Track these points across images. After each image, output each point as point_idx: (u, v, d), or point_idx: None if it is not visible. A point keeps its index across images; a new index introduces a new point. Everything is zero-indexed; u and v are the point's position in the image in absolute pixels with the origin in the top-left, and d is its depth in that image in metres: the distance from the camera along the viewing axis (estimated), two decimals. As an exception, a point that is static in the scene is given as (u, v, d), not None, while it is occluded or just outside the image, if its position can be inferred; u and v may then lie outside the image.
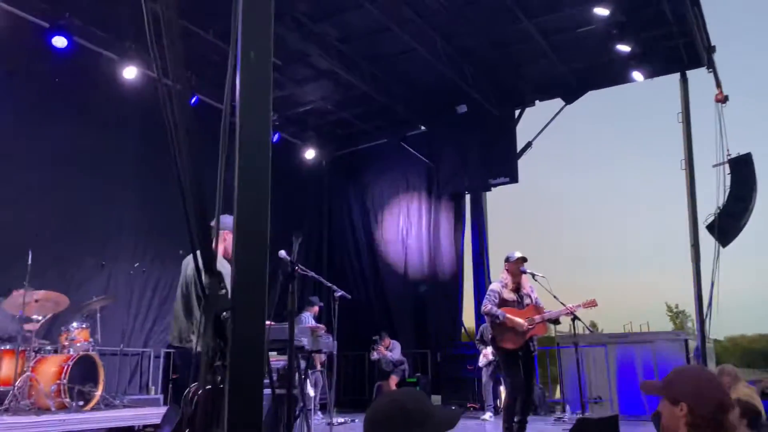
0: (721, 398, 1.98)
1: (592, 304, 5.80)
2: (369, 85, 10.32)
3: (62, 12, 7.94)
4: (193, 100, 9.44)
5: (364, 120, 12.06)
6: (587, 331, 6.53)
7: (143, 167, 8.75)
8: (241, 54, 1.84)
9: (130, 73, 8.57)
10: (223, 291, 1.65)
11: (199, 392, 2.89)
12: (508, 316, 5.80)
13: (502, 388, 8.89)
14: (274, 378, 4.77)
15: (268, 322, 3.94)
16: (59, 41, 7.90)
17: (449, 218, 12.04)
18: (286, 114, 11.71)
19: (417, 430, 1.47)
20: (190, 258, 4.52)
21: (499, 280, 6.15)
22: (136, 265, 7.95)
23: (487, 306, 5.88)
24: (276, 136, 11.32)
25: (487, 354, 9.05)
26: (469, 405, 9.87)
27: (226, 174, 1.91)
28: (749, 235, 9.94)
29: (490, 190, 11.83)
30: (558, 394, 10.65)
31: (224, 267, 1.78)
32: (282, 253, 4.65)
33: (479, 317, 10.14)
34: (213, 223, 1.83)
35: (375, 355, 10.10)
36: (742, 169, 9.66)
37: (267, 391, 4.32)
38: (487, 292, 6.06)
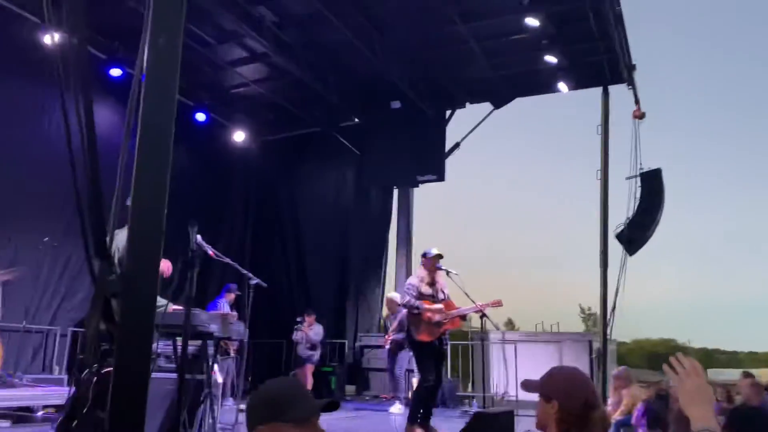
0: (587, 397, 2.14)
1: (497, 303, 6.06)
2: (304, 72, 10.24)
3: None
4: (119, 73, 9.11)
5: (297, 107, 11.96)
6: (496, 329, 6.79)
7: (51, 134, 8.30)
8: (150, 39, 1.84)
9: (48, 39, 8.17)
10: (114, 275, 1.66)
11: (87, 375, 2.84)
12: (426, 306, 5.99)
13: (414, 379, 9.09)
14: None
15: (176, 307, 3.90)
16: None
17: (376, 211, 12.18)
18: (218, 94, 11.47)
19: (279, 416, 1.55)
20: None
21: (416, 275, 6.35)
22: (45, 239, 7.60)
23: (406, 298, 6.08)
24: (205, 116, 11.07)
25: (385, 343, 9.21)
26: (382, 396, 10.04)
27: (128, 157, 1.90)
28: (659, 247, 10.59)
29: (417, 186, 12.04)
30: (469, 389, 11.01)
31: None
32: (199, 238, 4.60)
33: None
34: (129, 202, 1.80)
35: (297, 336, 9.99)
36: (652, 183, 10.24)
37: (173, 375, 4.27)
38: (406, 286, 6.28)
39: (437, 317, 6.01)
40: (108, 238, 1.74)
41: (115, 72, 9.02)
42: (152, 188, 1.74)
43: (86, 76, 1.71)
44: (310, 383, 9.86)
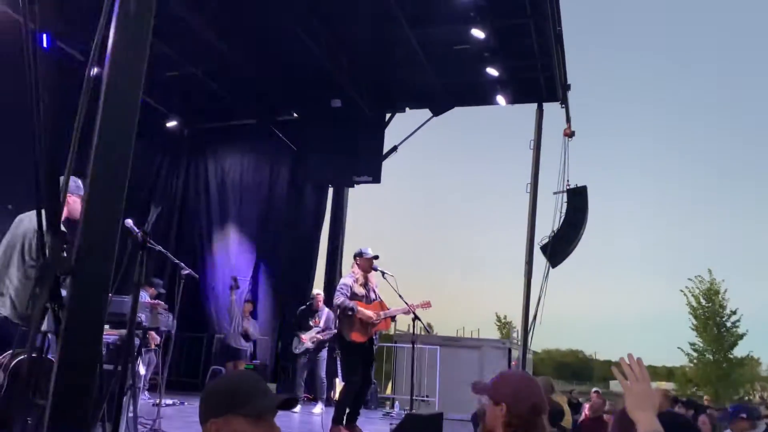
0: (536, 401, 2.19)
1: (427, 305, 6.13)
2: (246, 62, 10.02)
3: None
4: (45, 44, 8.57)
5: (235, 97, 11.67)
6: (424, 331, 6.88)
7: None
8: (119, 5, 1.73)
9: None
10: (65, 254, 1.55)
11: (18, 359, 2.66)
12: (361, 309, 5.96)
13: (338, 380, 9.04)
14: (104, 352, 4.49)
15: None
16: None
17: (310, 209, 12.06)
18: (152, 76, 11.01)
19: (234, 409, 1.51)
20: (25, 215, 4.11)
21: (350, 275, 6.29)
22: (9, 206, 7.02)
23: (341, 298, 5.97)
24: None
25: (305, 340, 9.02)
26: (303, 395, 9.91)
27: (81, 133, 1.78)
28: (573, 260, 11.02)
29: (353, 186, 12.02)
30: (389, 390, 11.09)
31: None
32: (129, 222, 4.38)
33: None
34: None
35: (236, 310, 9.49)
36: (577, 199, 10.71)
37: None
38: (340, 285, 6.17)
39: (370, 318, 6.00)
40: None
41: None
42: (114, 165, 1.65)
43: (53, 65, 1.61)
44: None
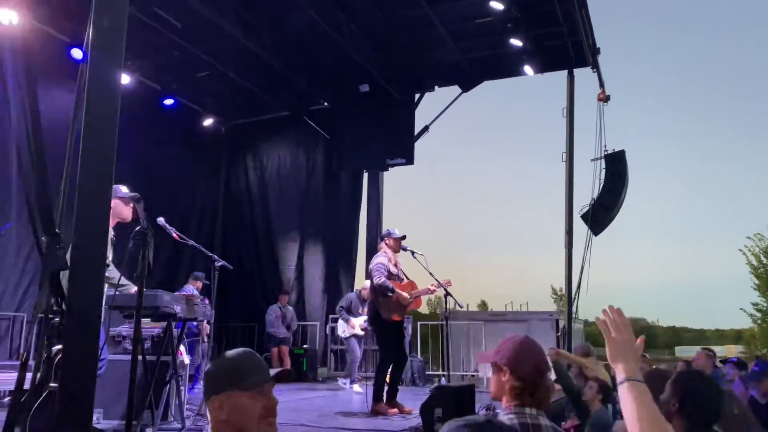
0: (537, 362, 2.22)
1: (448, 283, 6.16)
2: (272, 56, 10.19)
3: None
4: (81, 55, 8.98)
5: (266, 91, 11.90)
6: (458, 307, 6.94)
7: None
8: (93, 20, 1.88)
9: None
10: (61, 251, 1.71)
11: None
12: (398, 291, 6.05)
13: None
14: (147, 345, 4.78)
15: (135, 289, 3.92)
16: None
17: (346, 195, 12.23)
18: (186, 79, 11.36)
19: (234, 385, 1.62)
20: None
21: (382, 253, 6.33)
22: (7, 225, 7.52)
23: (381, 278, 5.99)
24: (173, 101, 10.98)
25: (354, 325, 9.15)
26: (357, 376, 10.15)
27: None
28: (628, 227, 10.83)
29: (387, 169, 12.11)
30: (439, 368, 11.22)
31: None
32: (161, 220, 4.63)
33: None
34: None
35: (279, 312, 10.04)
36: (616, 164, 10.49)
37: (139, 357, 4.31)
38: (376, 265, 6.14)
39: (407, 299, 6.10)
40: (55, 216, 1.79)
41: (77, 53, 8.85)
42: (99, 164, 1.79)
43: (33, 57, 1.76)
44: (288, 363, 10.05)
